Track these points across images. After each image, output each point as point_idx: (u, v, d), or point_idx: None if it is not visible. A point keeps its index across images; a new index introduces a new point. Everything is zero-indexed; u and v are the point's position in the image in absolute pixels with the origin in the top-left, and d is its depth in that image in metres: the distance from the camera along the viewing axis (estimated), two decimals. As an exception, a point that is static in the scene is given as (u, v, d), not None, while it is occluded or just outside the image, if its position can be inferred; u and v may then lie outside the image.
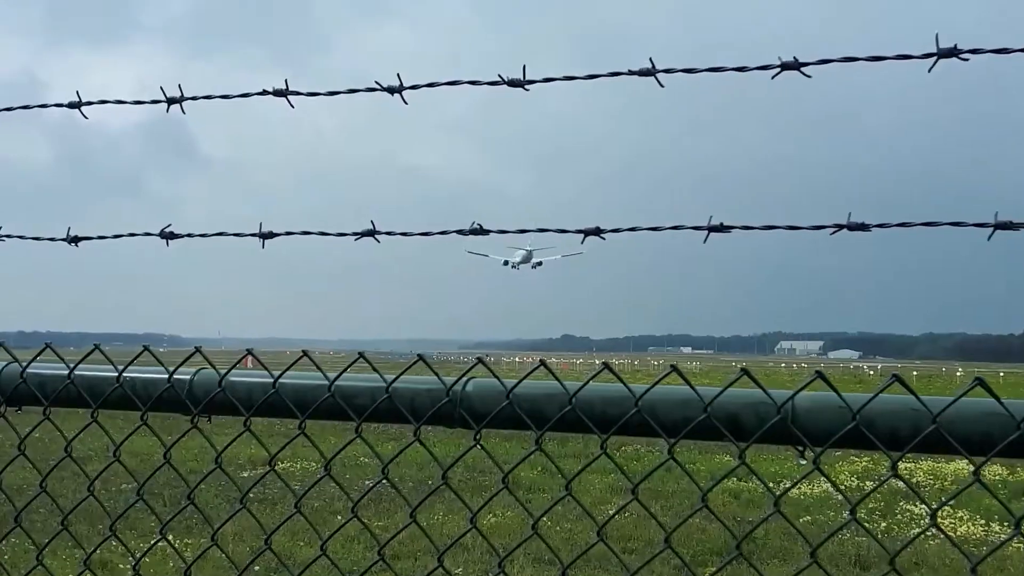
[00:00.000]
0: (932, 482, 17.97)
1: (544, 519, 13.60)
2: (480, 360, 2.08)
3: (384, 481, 2.27)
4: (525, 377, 2.02)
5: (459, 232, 1.95)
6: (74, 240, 2.21)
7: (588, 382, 1.98)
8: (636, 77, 1.75)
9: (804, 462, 1.81)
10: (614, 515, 2.14)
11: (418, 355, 2.05)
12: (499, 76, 1.83)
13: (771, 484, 15.34)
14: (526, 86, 1.80)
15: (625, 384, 1.95)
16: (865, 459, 20.31)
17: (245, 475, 17.00)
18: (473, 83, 1.82)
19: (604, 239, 1.89)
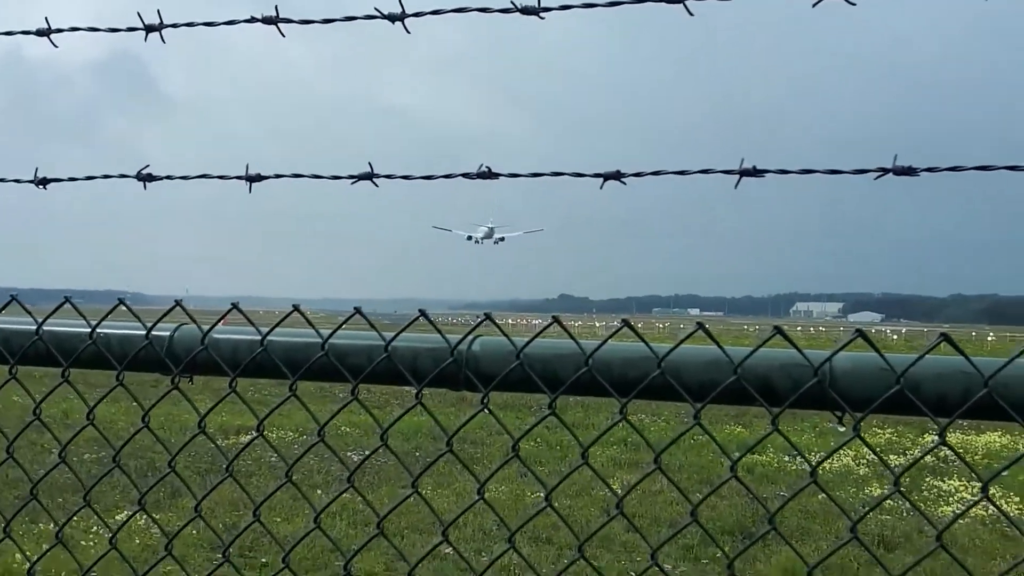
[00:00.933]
0: (963, 456, 18.05)
1: (532, 493, 13.68)
2: (487, 316, 2.07)
3: (373, 451, 2.26)
4: (537, 335, 2.01)
5: (465, 175, 1.93)
6: (42, 182, 2.19)
7: (606, 341, 1.97)
8: (664, 4, 1.73)
9: (843, 428, 1.81)
10: (635, 486, 2.14)
11: (420, 311, 2.04)
12: (511, 2, 1.81)
13: (785, 457, 15.40)
14: (541, 14, 1.78)
15: (647, 343, 1.94)
16: (888, 430, 20.41)
17: (218, 443, 17.00)
18: (483, 10, 1.79)
19: (624, 183, 1.87)
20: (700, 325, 1.89)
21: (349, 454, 16.54)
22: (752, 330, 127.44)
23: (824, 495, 1.95)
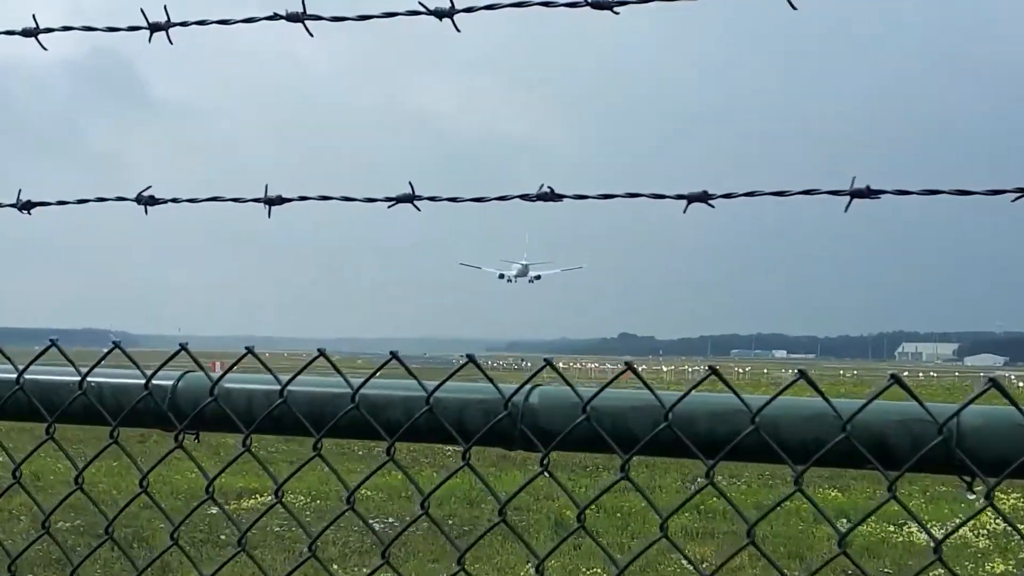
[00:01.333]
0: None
1: (588, 570, 13.61)
2: (548, 363, 2.07)
3: (413, 520, 2.27)
4: (607, 385, 2.02)
5: (524, 197, 1.94)
6: (27, 207, 2.22)
7: (689, 392, 1.97)
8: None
9: (973, 496, 1.79)
10: (725, 563, 2.13)
11: (468, 356, 2.05)
12: (579, -4, 1.82)
13: (889, 527, 15.19)
14: (615, 8, 1.79)
15: (738, 394, 1.94)
16: (1014, 495, 20.11)
17: (215, 511, 17.12)
18: (546, 4, 1.81)
19: (712, 206, 1.88)
20: (803, 373, 1.88)
21: (372, 522, 16.56)
22: (848, 375, 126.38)
23: (944, 572, 1.93)
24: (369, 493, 18.70)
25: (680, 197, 1.87)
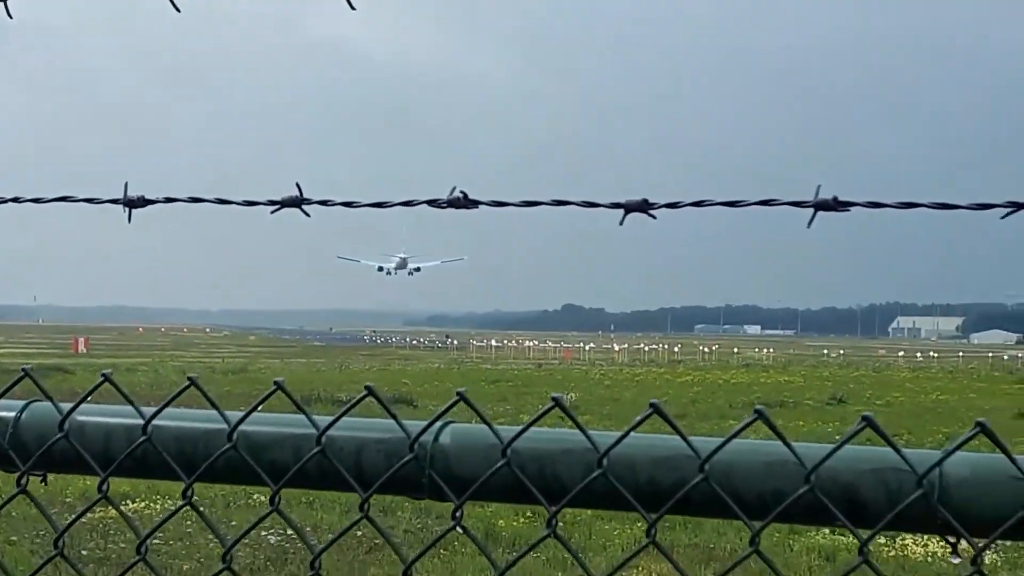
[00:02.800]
0: None
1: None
2: (461, 396, 2.07)
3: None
4: (531, 423, 2.03)
5: (431, 203, 1.95)
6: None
7: (628, 433, 1.99)
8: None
9: (959, 560, 1.83)
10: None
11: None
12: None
13: None
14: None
15: (683, 436, 1.96)
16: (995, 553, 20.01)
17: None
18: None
19: (654, 217, 1.90)
20: (760, 413, 1.90)
21: (265, 534, 16.56)
22: (834, 356, 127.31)
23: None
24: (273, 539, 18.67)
25: (617, 206, 1.89)
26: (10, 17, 2.02)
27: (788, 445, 1.92)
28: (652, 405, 1.94)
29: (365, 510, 2.12)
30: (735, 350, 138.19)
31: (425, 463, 2.08)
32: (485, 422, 2.06)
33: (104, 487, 2.26)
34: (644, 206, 1.88)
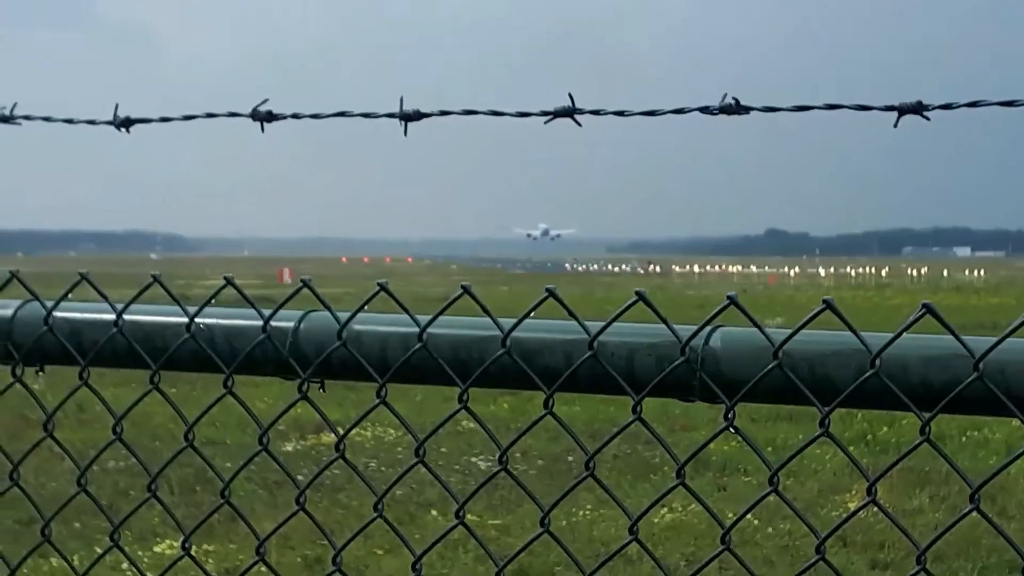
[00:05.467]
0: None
1: (746, 518, 13.66)
2: (732, 301, 2.11)
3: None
4: (809, 320, 2.06)
5: (703, 110, 2.00)
6: (125, 123, 2.33)
7: (900, 333, 2.01)
8: None
9: None
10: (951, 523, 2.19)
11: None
12: None
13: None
14: None
15: (958, 337, 1.98)
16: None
17: (289, 448, 17.44)
18: None
19: (928, 119, 1.92)
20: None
21: (475, 460, 16.75)
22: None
23: None
24: (471, 425, 18.79)
25: (891, 108, 1.91)
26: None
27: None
28: (924, 305, 1.97)
29: (638, 412, 2.18)
30: (944, 272, 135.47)
31: (696, 366, 2.13)
32: (756, 325, 2.10)
33: (383, 392, 2.36)
34: (919, 108, 1.90)
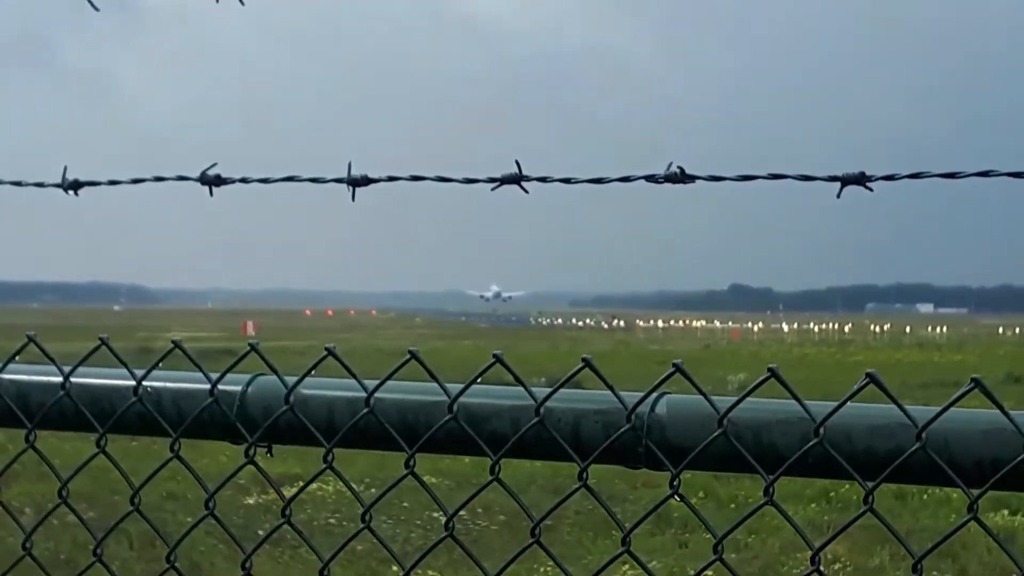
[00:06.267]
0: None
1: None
2: (677, 368, 2.12)
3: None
4: (753, 389, 2.07)
5: (649, 179, 2.01)
6: (73, 187, 2.33)
7: (844, 402, 2.02)
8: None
9: None
10: None
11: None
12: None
13: None
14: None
15: (901, 407, 1.99)
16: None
17: (250, 501, 17.34)
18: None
19: (871, 190, 1.94)
20: (976, 382, 1.92)
21: (436, 515, 16.67)
22: (1010, 335, 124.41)
23: None
24: (433, 480, 18.75)
25: (834, 179, 1.93)
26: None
27: (1006, 414, 1.94)
28: (868, 375, 1.98)
29: (584, 479, 2.19)
30: (907, 329, 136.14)
31: (642, 433, 2.14)
32: (701, 392, 2.11)
33: (329, 458, 2.36)
34: (861, 179, 1.91)
